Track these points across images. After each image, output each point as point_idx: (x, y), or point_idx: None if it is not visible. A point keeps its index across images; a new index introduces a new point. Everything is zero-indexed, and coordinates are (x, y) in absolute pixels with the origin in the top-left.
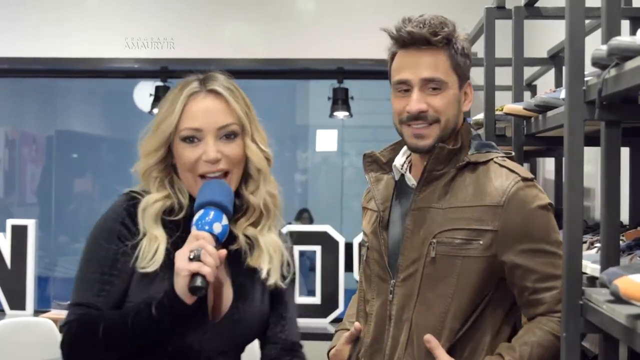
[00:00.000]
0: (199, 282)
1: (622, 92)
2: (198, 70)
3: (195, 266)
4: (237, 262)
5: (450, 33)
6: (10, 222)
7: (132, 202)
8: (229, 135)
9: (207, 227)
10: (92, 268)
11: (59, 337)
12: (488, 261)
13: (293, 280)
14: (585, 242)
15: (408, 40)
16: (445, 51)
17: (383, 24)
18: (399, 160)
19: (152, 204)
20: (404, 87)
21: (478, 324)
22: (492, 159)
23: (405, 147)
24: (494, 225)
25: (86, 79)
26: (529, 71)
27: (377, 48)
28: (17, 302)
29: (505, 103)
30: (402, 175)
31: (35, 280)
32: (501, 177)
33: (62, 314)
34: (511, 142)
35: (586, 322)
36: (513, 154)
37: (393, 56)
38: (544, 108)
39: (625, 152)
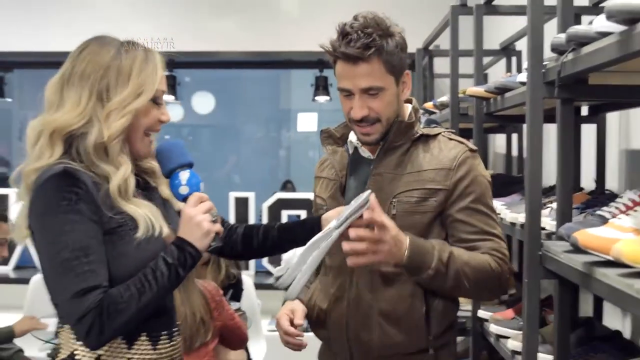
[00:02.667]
0: (217, 241)
1: (578, 74)
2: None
3: (217, 227)
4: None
5: (381, 43)
6: None
7: (75, 180)
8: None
9: (198, 188)
10: (76, 253)
11: None
12: (438, 215)
13: None
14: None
15: (343, 57)
16: (378, 59)
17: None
18: (353, 136)
19: (125, 182)
20: (346, 93)
21: None
22: (440, 132)
23: None
24: (445, 185)
25: None
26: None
27: None
28: None
29: (466, 88)
30: (356, 149)
31: None
32: (451, 146)
33: None
34: (472, 120)
35: (545, 270)
36: (454, 132)
37: (333, 62)
38: (502, 90)
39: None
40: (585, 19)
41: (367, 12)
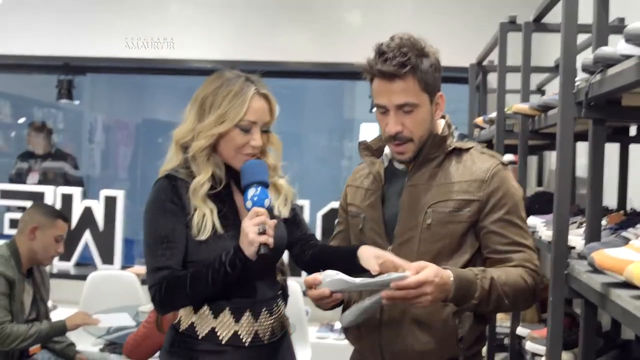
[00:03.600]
0: (263, 250)
1: (605, 94)
2: (249, 70)
3: (263, 238)
4: None
5: (416, 62)
6: (103, 193)
7: (174, 184)
8: (267, 130)
9: (261, 204)
10: (158, 240)
11: (140, 287)
12: (472, 226)
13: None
14: (575, 223)
15: (380, 75)
16: (414, 77)
17: (411, 30)
18: (388, 149)
19: (200, 186)
20: (382, 110)
21: None
22: (472, 146)
23: None
24: (479, 196)
25: (169, 76)
26: (540, 77)
27: None
28: (107, 258)
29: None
30: (391, 161)
31: (123, 240)
32: (483, 159)
33: (144, 269)
34: (518, 137)
35: (570, 289)
36: (485, 146)
37: (370, 80)
38: (545, 108)
39: (616, 147)
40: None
41: (404, 33)
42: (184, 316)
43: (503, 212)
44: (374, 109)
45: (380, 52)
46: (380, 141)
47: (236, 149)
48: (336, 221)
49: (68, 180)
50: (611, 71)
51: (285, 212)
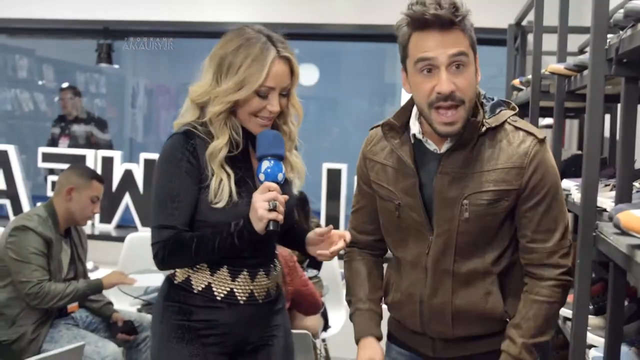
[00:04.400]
0: (273, 226)
1: (637, 50)
2: (286, 34)
3: (273, 215)
4: None
5: (466, 12)
6: (142, 156)
7: (191, 142)
8: (286, 94)
9: (274, 177)
10: (169, 197)
11: None
12: (511, 213)
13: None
14: (609, 185)
15: (432, 22)
16: (463, 28)
17: None
18: (415, 127)
19: (218, 151)
20: (428, 66)
21: (512, 260)
22: (505, 120)
23: (415, 111)
24: (518, 184)
25: (208, 39)
26: (582, 39)
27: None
28: (147, 221)
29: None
30: (418, 140)
31: None
32: (520, 139)
33: None
34: (554, 98)
35: (598, 252)
36: (517, 108)
37: (408, 36)
38: (580, 67)
39: None
40: None
41: None
42: (180, 269)
43: (539, 197)
44: (406, 74)
45: (424, 2)
46: (402, 115)
47: (253, 112)
48: (355, 191)
49: (97, 144)
50: None
51: (295, 189)
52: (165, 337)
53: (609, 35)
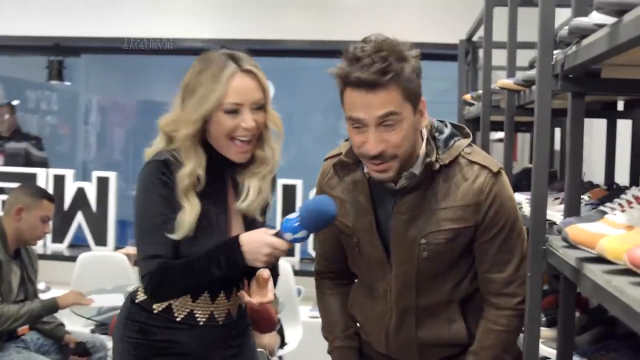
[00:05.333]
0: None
1: (582, 66)
2: (244, 50)
3: (268, 263)
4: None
5: (399, 68)
6: (95, 174)
7: (168, 171)
8: (259, 108)
9: (287, 230)
10: (153, 227)
11: (130, 268)
12: (469, 245)
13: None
14: (559, 199)
15: (356, 84)
16: (396, 85)
17: (411, 13)
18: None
19: (181, 179)
20: (357, 124)
21: (472, 286)
22: (459, 154)
23: None
24: (474, 220)
25: (164, 56)
26: (532, 54)
27: (408, 32)
28: (100, 239)
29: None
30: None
31: (116, 222)
32: (475, 174)
33: (135, 250)
34: (504, 112)
35: (548, 265)
36: (470, 135)
37: (341, 89)
38: (530, 83)
39: (603, 123)
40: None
41: (378, 34)
42: (142, 288)
43: (496, 229)
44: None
45: (356, 58)
46: (353, 153)
47: (227, 134)
48: None
49: (32, 161)
50: (585, 41)
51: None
52: (125, 355)
53: (555, 51)
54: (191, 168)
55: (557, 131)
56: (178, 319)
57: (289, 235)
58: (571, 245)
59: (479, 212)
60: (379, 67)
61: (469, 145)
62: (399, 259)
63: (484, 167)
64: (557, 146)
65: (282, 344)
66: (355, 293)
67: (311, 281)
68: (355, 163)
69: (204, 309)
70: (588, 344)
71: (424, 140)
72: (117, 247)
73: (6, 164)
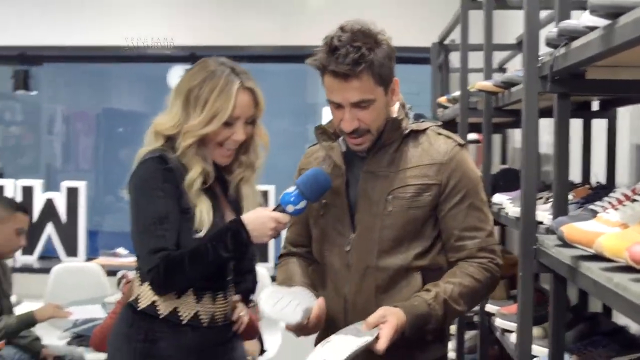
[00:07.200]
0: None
1: (571, 67)
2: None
3: (273, 237)
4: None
5: (370, 57)
6: (64, 184)
7: (166, 166)
8: (252, 122)
9: (286, 203)
10: (156, 221)
11: (105, 278)
12: (432, 210)
13: None
14: (541, 198)
15: (333, 74)
16: (368, 73)
17: (381, 17)
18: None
19: (192, 182)
20: (335, 105)
21: (435, 260)
22: (429, 127)
23: None
24: (438, 180)
25: (128, 65)
26: (501, 56)
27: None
28: (71, 250)
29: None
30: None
31: (87, 232)
32: (441, 141)
33: (109, 260)
34: (482, 114)
35: (539, 264)
36: (441, 125)
37: (321, 73)
38: (508, 84)
39: (579, 123)
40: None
41: (354, 22)
42: (143, 294)
43: (461, 195)
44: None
45: (332, 48)
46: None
47: (219, 142)
48: None
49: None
50: (575, 44)
51: None
52: None
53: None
54: (199, 170)
55: (519, 132)
56: (184, 322)
57: (290, 207)
58: (564, 244)
59: (443, 172)
60: (352, 58)
61: (438, 125)
62: (364, 214)
63: (450, 138)
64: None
65: (262, 351)
66: (313, 274)
67: None
68: (334, 133)
69: (207, 310)
70: (574, 341)
71: (398, 108)
72: (89, 258)
73: None
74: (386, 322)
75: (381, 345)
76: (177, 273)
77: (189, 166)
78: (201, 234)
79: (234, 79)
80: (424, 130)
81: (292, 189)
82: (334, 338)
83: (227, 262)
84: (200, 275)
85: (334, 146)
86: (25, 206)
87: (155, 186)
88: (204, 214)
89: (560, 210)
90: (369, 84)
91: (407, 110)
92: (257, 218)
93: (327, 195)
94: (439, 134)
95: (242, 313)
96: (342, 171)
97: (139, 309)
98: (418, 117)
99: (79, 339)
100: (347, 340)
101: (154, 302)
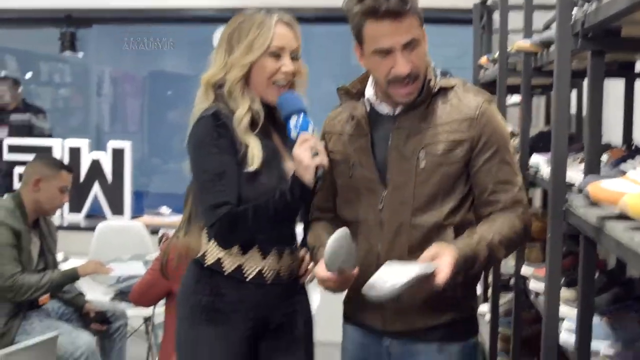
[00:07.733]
0: (320, 172)
1: (602, 23)
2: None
3: (318, 160)
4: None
5: None
6: (110, 145)
7: (220, 122)
8: (295, 57)
9: (305, 128)
10: (215, 176)
11: (148, 236)
12: (465, 166)
13: None
14: (577, 159)
15: (383, 15)
16: (413, 12)
17: None
18: (369, 91)
19: (240, 120)
20: (384, 52)
21: (467, 217)
22: (456, 84)
23: (371, 79)
24: (469, 135)
25: (174, 27)
26: (547, 16)
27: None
28: (116, 210)
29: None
30: (371, 106)
31: (132, 191)
32: (470, 97)
33: (152, 219)
34: (521, 75)
35: (568, 225)
36: (468, 81)
37: (362, 22)
38: (546, 43)
39: (621, 83)
40: None
41: None
42: (210, 251)
43: (493, 150)
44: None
45: None
46: (359, 84)
47: (268, 77)
48: None
49: (35, 133)
50: None
51: None
52: (194, 319)
53: (574, 10)
54: (246, 108)
55: (573, 93)
56: (248, 279)
57: (293, 133)
58: (592, 205)
59: (474, 127)
60: None
61: (464, 81)
62: (396, 172)
63: (478, 93)
64: (573, 109)
65: None
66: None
67: None
68: (357, 94)
69: (272, 267)
70: (607, 304)
71: (428, 66)
72: (134, 217)
73: (10, 135)
74: (444, 256)
75: (441, 278)
76: (240, 228)
77: (236, 106)
78: (253, 167)
79: (271, 14)
80: (452, 87)
81: (292, 121)
82: (394, 264)
83: (293, 211)
84: (264, 221)
85: (358, 106)
86: (69, 165)
87: (210, 143)
88: (254, 150)
89: (591, 170)
90: (415, 24)
91: (433, 67)
92: (294, 161)
93: (353, 155)
94: (467, 90)
95: (309, 267)
96: (367, 130)
97: (205, 265)
98: (444, 74)
99: (122, 295)
100: (409, 267)
101: (219, 259)
